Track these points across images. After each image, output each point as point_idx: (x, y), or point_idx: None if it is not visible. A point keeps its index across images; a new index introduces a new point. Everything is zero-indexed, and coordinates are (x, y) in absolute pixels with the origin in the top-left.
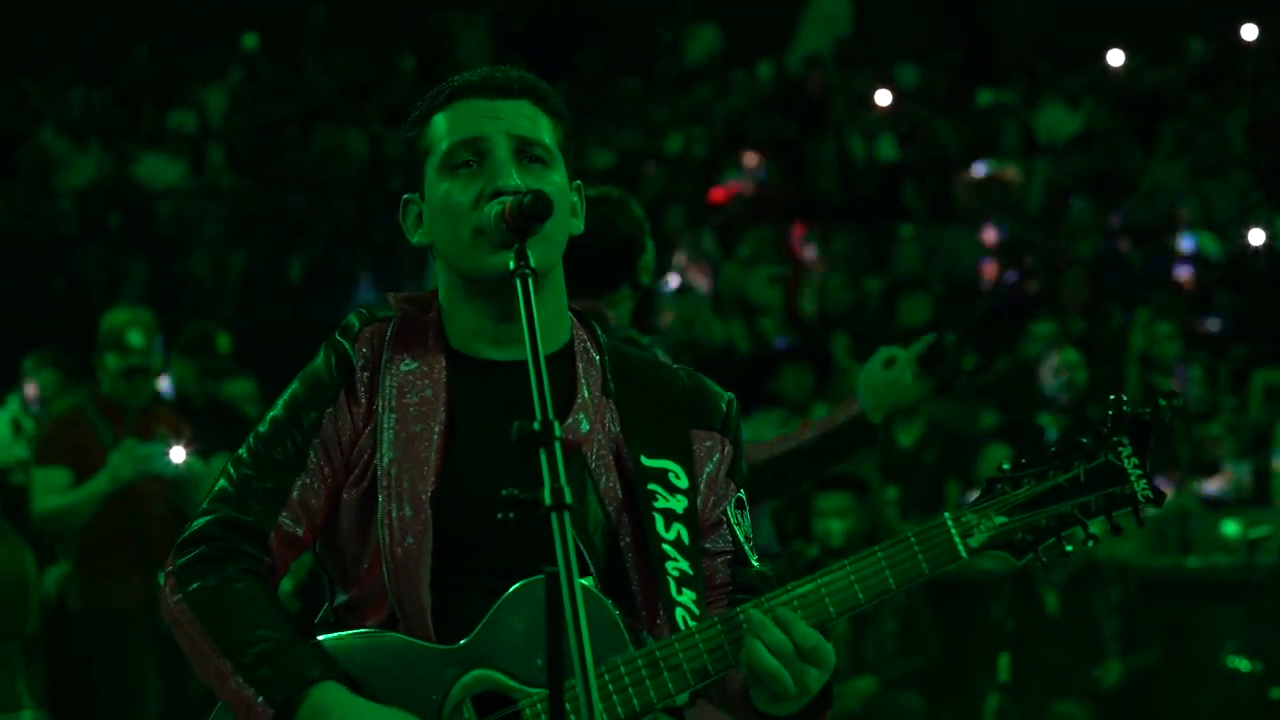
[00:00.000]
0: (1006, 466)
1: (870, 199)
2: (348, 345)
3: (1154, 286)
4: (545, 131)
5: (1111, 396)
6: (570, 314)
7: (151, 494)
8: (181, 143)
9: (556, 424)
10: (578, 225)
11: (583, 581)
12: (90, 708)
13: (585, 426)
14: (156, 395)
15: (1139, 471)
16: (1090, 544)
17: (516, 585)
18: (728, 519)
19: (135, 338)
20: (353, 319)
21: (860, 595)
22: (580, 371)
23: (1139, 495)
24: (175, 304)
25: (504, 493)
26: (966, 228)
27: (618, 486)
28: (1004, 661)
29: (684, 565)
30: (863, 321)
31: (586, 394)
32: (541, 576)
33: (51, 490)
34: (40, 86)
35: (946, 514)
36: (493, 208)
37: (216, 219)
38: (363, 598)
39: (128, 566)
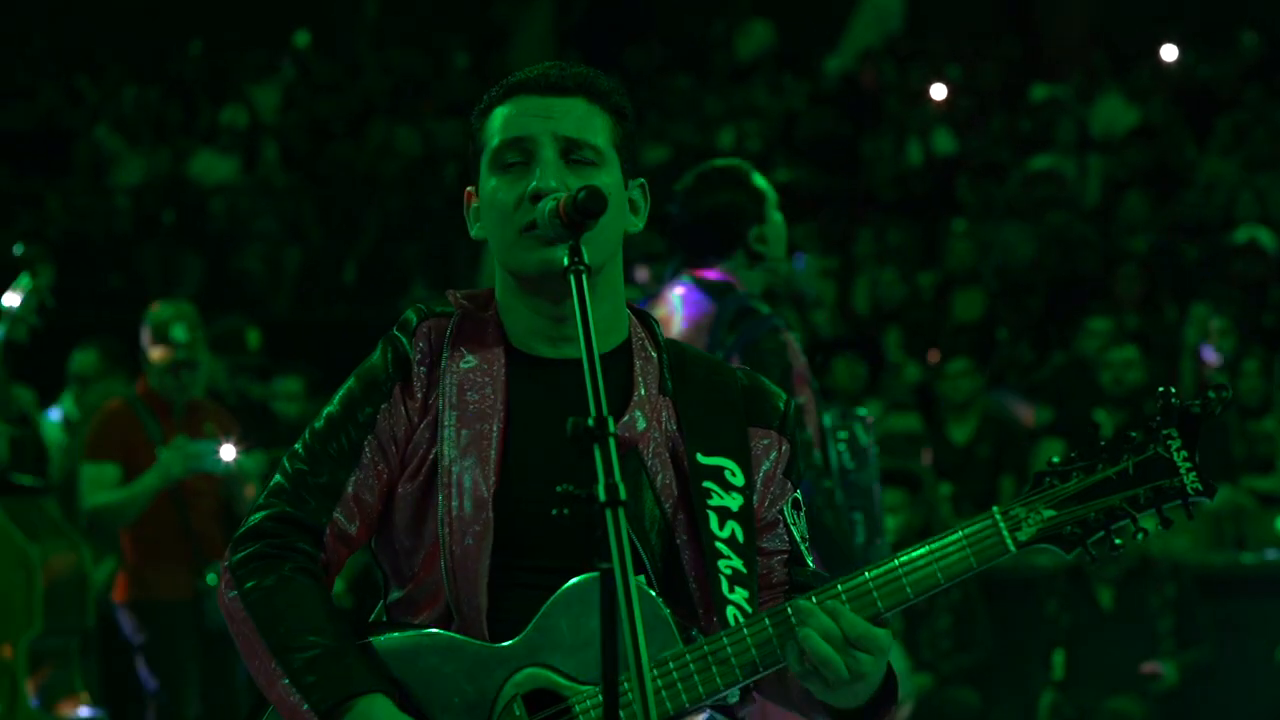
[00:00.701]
0: (1056, 460)
1: (924, 194)
2: (405, 340)
3: (1209, 281)
4: (599, 130)
5: (1161, 389)
6: (629, 312)
7: (201, 490)
8: (234, 139)
9: (611, 420)
10: (637, 223)
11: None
12: (134, 701)
13: (642, 424)
14: (205, 392)
15: (1189, 465)
16: (1140, 537)
17: (569, 583)
18: (784, 519)
19: (179, 332)
20: (411, 315)
21: (909, 590)
22: (638, 369)
23: (1188, 488)
24: (230, 301)
25: (558, 489)
26: (1021, 222)
27: (674, 484)
28: (1058, 658)
29: (738, 563)
30: (915, 316)
31: (643, 391)
32: (593, 575)
33: (101, 486)
34: (94, 84)
35: (995, 508)
36: (546, 204)
37: (270, 215)
38: (418, 593)
39: (175, 561)
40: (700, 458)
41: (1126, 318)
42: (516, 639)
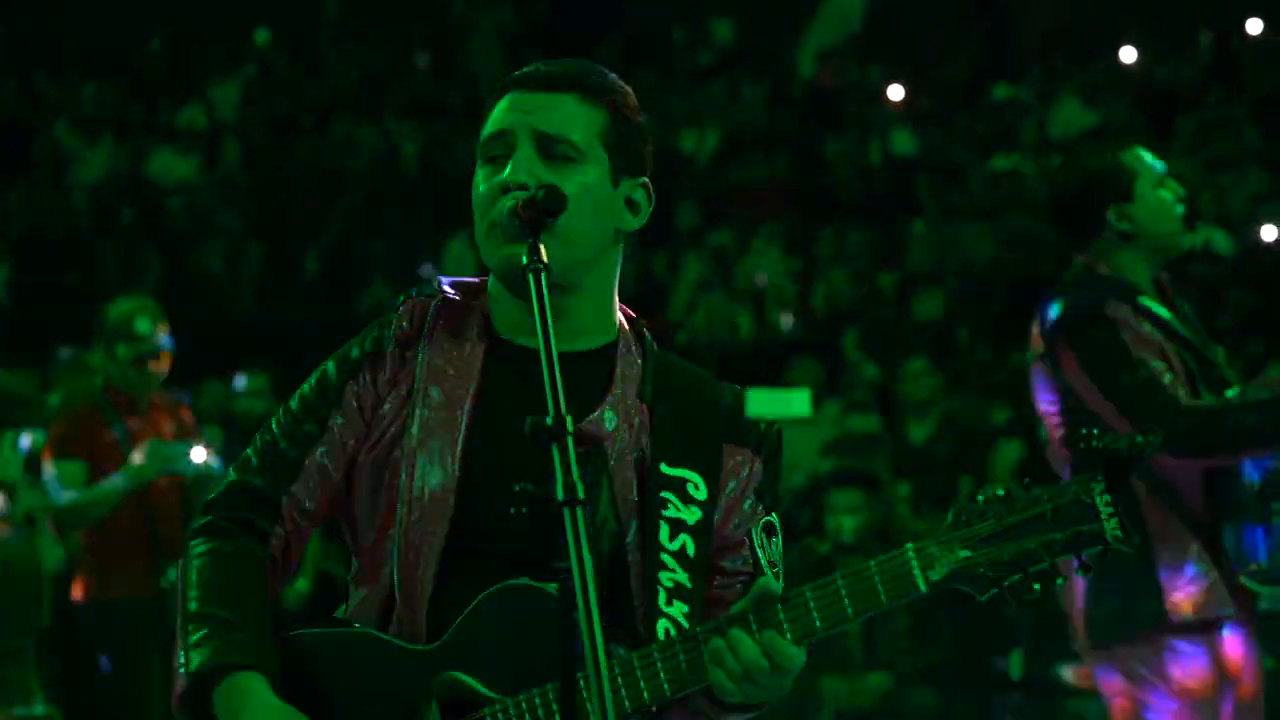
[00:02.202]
0: (981, 498)
1: (884, 194)
2: (392, 319)
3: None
4: (583, 127)
5: (1083, 430)
6: (621, 316)
7: (164, 488)
8: (194, 138)
9: (569, 419)
10: (632, 222)
11: (548, 588)
12: (95, 699)
13: (610, 424)
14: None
15: (1110, 510)
16: (1061, 581)
17: (494, 588)
18: (750, 540)
19: (143, 325)
20: (402, 297)
21: (818, 622)
22: (618, 371)
23: (1108, 535)
24: (190, 299)
25: (515, 487)
26: (980, 223)
27: (633, 490)
28: (1016, 658)
29: (682, 577)
30: (875, 316)
31: (619, 392)
32: (519, 581)
33: (68, 485)
34: (53, 81)
35: (910, 545)
36: (505, 202)
37: (230, 213)
38: (370, 566)
39: (137, 558)
40: (664, 467)
41: None
42: (440, 641)
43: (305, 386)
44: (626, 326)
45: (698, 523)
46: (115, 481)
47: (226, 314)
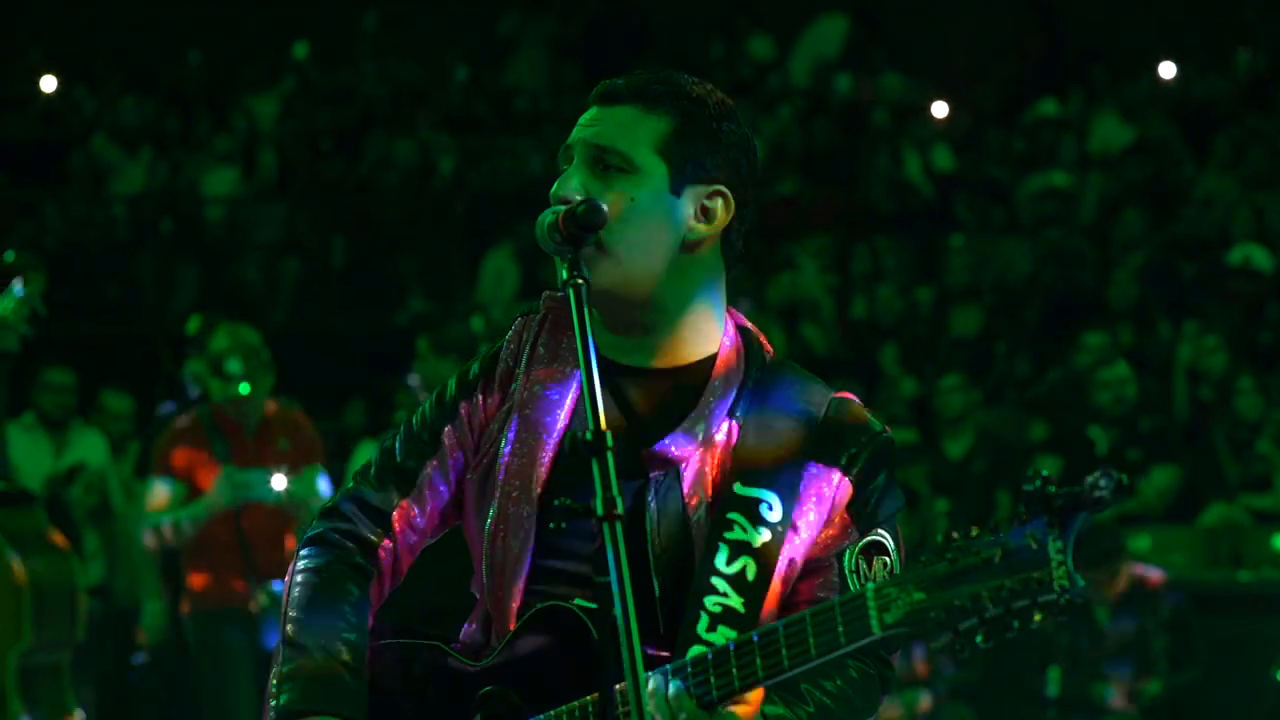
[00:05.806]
0: (941, 539)
1: (922, 210)
2: (508, 335)
3: (1205, 298)
4: (638, 137)
5: (1035, 472)
6: (732, 330)
7: (258, 511)
8: (233, 149)
9: (609, 435)
10: (701, 229)
11: (588, 605)
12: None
13: (689, 444)
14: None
15: (1060, 557)
16: (1016, 624)
17: (539, 605)
18: (841, 564)
19: (234, 365)
20: (517, 315)
21: (786, 661)
22: (712, 387)
23: (1055, 584)
24: (227, 311)
25: (555, 502)
26: (1018, 238)
27: (705, 510)
28: (1054, 675)
29: (734, 602)
30: (913, 331)
31: (705, 410)
32: (560, 603)
33: (161, 504)
34: (92, 94)
35: (870, 585)
36: (546, 217)
37: (267, 226)
38: (479, 581)
39: (231, 571)
40: (738, 487)
41: (1121, 334)
42: (491, 657)
43: (428, 400)
44: (736, 341)
45: (764, 545)
46: (194, 509)
47: (263, 326)
